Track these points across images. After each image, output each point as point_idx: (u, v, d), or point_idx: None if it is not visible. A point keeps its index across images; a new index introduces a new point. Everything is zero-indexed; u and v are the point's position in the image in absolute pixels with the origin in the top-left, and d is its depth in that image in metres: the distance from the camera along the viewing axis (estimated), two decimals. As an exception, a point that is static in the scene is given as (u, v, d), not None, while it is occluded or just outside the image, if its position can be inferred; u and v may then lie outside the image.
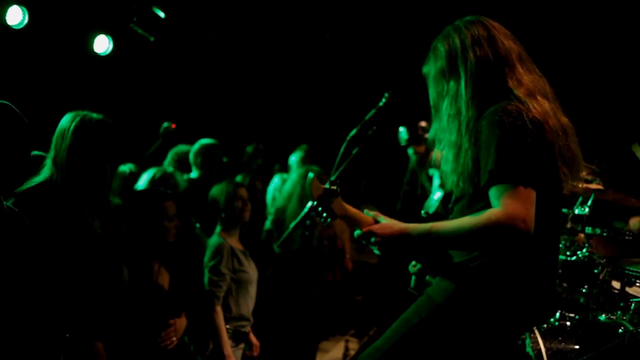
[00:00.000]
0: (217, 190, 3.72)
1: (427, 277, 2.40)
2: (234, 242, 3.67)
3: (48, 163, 2.77)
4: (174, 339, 3.05)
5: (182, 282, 3.19)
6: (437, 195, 4.14)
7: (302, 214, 3.21)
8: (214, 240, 3.61)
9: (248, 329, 3.66)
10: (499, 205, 1.90)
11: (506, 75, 2.07)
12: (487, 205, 1.96)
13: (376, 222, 2.19)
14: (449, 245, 2.12)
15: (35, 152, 3.13)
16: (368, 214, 2.27)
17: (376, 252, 2.18)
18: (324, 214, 2.28)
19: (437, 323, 2.10)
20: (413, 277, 2.49)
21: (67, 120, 2.81)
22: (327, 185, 2.28)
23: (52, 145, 2.78)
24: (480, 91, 2.07)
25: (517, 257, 2.01)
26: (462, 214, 2.08)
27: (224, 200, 3.64)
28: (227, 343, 3.42)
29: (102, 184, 2.84)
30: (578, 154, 2.10)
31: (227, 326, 3.49)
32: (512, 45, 2.12)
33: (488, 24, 2.15)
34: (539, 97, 2.05)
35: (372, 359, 2.18)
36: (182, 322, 3.15)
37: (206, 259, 3.54)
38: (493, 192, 1.93)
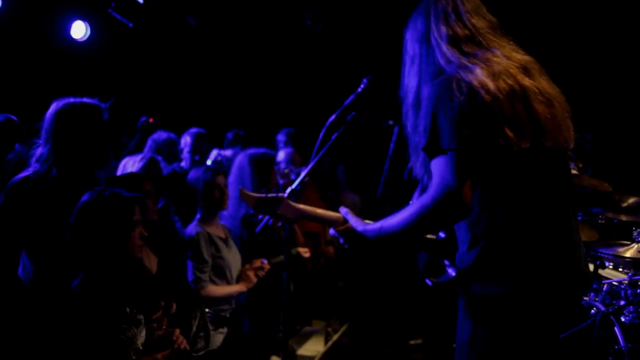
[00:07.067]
0: (193, 178, 3.67)
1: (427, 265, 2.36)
2: (214, 229, 3.63)
3: (37, 153, 2.71)
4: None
5: (169, 269, 3.11)
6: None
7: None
8: (190, 230, 3.56)
9: (229, 313, 3.61)
10: (433, 182, 1.88)
11: (464, 47, 2.02)
12: None
13: (345, 220, 2.18)
14: (401, 238, 2.06)
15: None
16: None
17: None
18: (271, 220, 2.22)
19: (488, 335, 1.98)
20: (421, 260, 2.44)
21: (51, 107, 2.75)
22: (265, 193, 2.19)
23: (40, 134, 2.72)
24: (435, 66, 2.05)
25: (520, 236, 1.94)
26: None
27: (200, 188, 3.59)
28: (236, 287, 3.57)
29: (93, 168, 2.76)
30: (544, 115, 1.95)
31: (207, 310, 3.46)
32: (479, 20, 2.09)
33: None
34: (495, 60, 1.97)
35: None
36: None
37: (185, 249, 3.49)
38: (432, 169, 1.91)
